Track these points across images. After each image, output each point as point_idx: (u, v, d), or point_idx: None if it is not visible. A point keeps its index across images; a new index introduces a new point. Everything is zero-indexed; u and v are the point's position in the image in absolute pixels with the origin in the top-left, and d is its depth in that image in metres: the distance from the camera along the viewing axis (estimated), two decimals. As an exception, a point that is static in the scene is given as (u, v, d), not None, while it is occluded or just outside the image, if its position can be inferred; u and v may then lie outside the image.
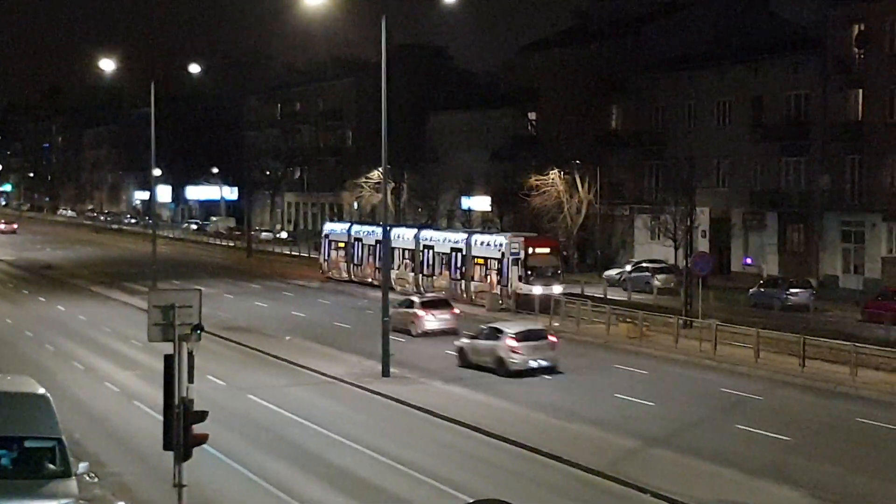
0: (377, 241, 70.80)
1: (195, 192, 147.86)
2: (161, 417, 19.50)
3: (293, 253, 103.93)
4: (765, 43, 77.51)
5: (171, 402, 19.12)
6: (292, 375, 42.69)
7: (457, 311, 53.82)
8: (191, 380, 19.14)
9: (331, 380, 41.31)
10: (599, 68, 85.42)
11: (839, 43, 69.20)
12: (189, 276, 79.40)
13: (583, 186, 77.05)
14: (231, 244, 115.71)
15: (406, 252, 69.18)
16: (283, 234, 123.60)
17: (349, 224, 79.92)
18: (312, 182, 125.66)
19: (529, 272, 59.87)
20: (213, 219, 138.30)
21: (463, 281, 63.98)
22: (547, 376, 41.24)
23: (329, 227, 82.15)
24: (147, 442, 29.43)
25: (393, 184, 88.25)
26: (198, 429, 19.40)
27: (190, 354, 19.00)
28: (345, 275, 75.65)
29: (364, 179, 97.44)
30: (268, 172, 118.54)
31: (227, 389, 39.23)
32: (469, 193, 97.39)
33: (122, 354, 48.13)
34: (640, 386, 39.72)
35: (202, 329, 19.63)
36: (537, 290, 58.12)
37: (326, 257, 79.01)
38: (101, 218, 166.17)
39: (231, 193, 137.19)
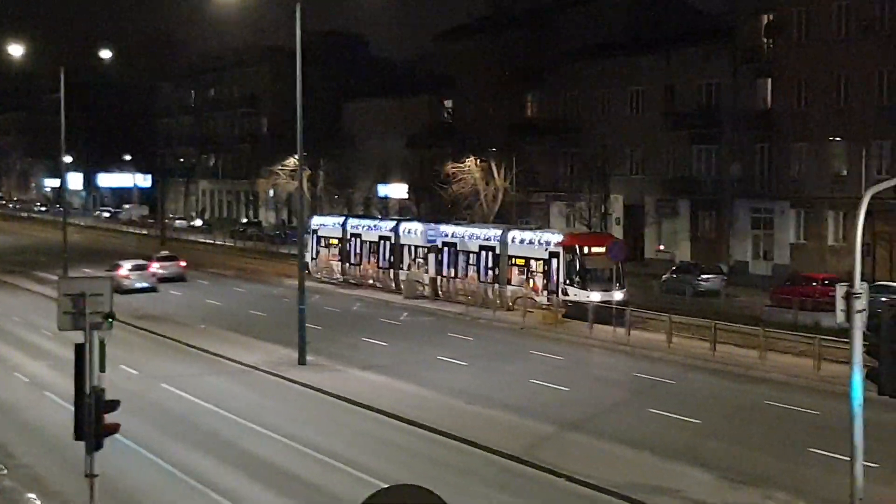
0: (381, 238, 64.82)
1: (107, 180, 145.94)
2: (72, 407, 19.23)
3: (208, 241, 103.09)
4: (677, 32, 78.25)
5: (82, 392, 18.85)
6: (207, 364, 42.36)
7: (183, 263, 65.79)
8: (102, 369, 18.87)
9: (246, 368, 41.07)
10: (515, 57, 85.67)
11: (749, 33, 70.06)
12: (101, 265, 78.36)
13: (499, 174, 77.28)
14: (144, 232, 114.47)
15: (419, 250, 61.89)
16: (198, 222, 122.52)
17: (344, 218, 70.89)
18: (227, 169, 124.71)
19: (585, 276, 51.65)
20: (126, 206, 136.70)
21: (496, 285, 56.10)
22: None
23: (318, 221, 72.46)
24: (58, 432, 29.04)
25: (309, 171, 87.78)
26: (110, 418, 19.16)
27: (101, 343, 18.74)
28: (338, 275, 68.06)
29: (280, 167, 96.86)
30: (182, 159, 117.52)
31: (140, 378, 38.83)
32: (386, 181, 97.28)
33: (33, 344, 47.43)
34: (556, 371, 39.98)
35: (114, 317, 19.36)
36: (596, 297, 50.33)
37: (314, 255, 70.02)
38: (10, 206, 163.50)
39: (144, 181, 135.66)
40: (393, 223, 65.56)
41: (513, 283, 54.68)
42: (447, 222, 63.44)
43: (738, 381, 38.87)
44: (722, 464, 27.03)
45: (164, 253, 76.44)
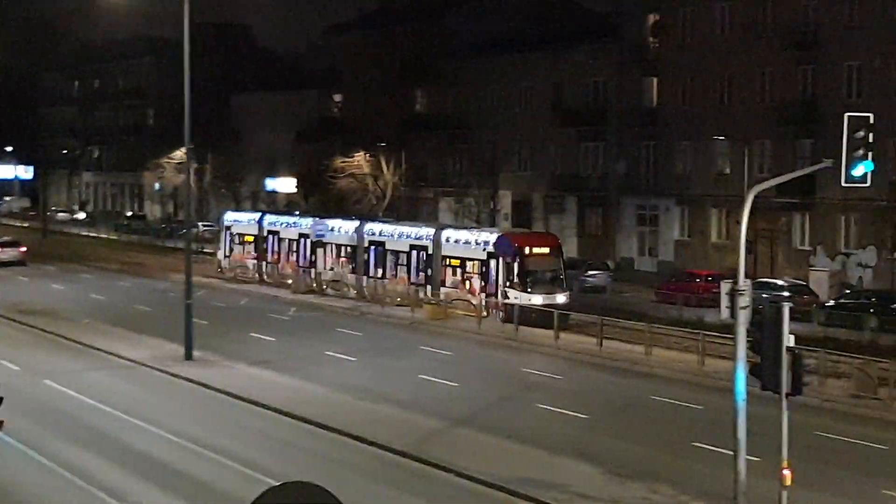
0: (301, 235, 61.78)
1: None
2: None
3: (92, 234, 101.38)
4: (565, 31, 78.99)
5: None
6: (91, 359, 41.67)
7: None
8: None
9: (131, 364, 40.49)
10: (404, 52, 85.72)
11: (636, 32, 71.01)
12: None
13: (388, 169, 77.30)
14: (26, 225, 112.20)
15: (344, 249, 58.96)
16: (81, 215, 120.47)
17: (260, 214, 67.79)
18: (112, 161, 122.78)
19: (527, 278, 49.24)
20: (7, 199, 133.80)
21: (428, 287, 53.54)
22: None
23: (231, 216, 69.62)
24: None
25: (196, 164, 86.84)
26: (-7, 415, 18.78)
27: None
28: (253, 274, 64.92)
29: (166, 160, 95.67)
30: (65, 151, 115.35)
31: (22, 374, 38.07)
32: (274, 175, 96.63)
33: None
34: (445, 367, 40.10)
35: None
36: (537, 300, 48.31)
37: (227, 253, 67.31)
38: None
39: (26, 172, 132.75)
40: (311, 220, 62.69)
41: (447, 284, 52.13)
42: (374, 219, 61.53)
43: (624, 376, 39.38)
44: (608, 458, 27.36)
45: (6, 238, 78.17)
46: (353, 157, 78.02)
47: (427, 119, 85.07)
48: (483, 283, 50.32)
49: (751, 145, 62.93)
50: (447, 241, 52.66)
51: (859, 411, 33.58)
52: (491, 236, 50.71)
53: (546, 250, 50.45)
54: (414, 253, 54.38)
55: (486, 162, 75.65)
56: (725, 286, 21.04)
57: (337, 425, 30.37)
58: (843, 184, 21.77)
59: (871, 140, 21.34)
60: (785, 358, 19.73)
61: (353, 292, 57.22)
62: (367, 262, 57.27)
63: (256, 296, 60.66)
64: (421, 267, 54.10)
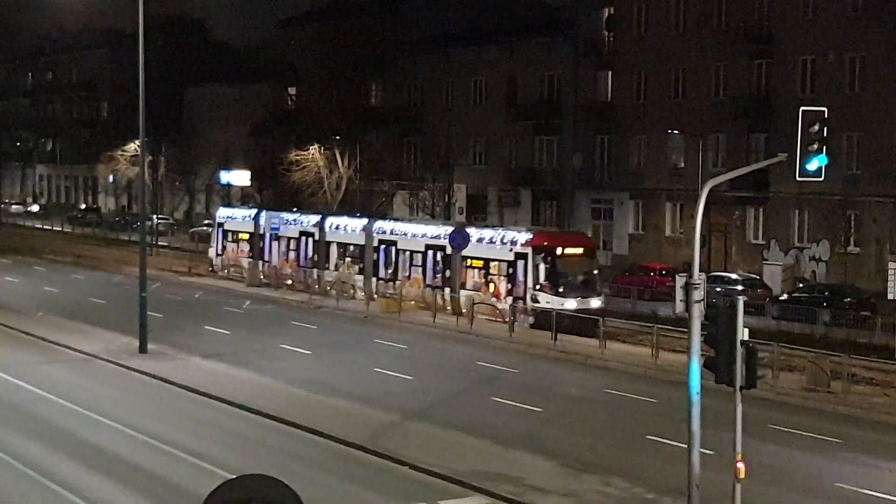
0: (302, 234, 58.60)
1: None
2: None
3: (45, 227, 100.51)
4: (520, 24, 79.08)
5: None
6: (45, 352, 41.29)
7: None
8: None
9: (85, 356, 40.16)
10: (358, 45, 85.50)
11: (590, 26, 71.19)
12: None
13: (342, 162, 77.07)
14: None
15: (351, 248, 55.60)
16: (35, 208, 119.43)
17: (256, 210, 64.37)
18: (66, 154, 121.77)
19: (559, 281, 46.27)
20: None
21: (447, 289, 50.27)
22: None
23: (225, 213, 66.77)
24: None
25: (150, 157, 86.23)
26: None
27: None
28: (248, 275, 61.30)
29: (120, 152, 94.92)
30: (18, 143, 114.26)
31: (-25, 368, 37.66)
32: (228, 168, 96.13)
33: None
34: (399, 360, 40.05)
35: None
36: (570, 304, 45.39)
37: (220, 251, 64.60)
38: None
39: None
40: (317, 217, 58.81)
41: (468, 287, 48.91)
42: (384, 217, 58.64)
43: (579, 369, 39.49)
44: (562, 451, 27.42)
45: None
46: (307, 150, 77.71)
47: (382, 112, 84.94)
48: (509, 286, 46.92)
49: (705, 139, 63.29)
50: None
51: (812, 404, 33.84)
52: (520, 235, 47.24)
53: (580, 251, 47.65)
54: (430, 253, 50.90)
55: (440, 155, 75.62)
56: (680, 280, 21.10)
57: (292, 418, 30.26)
58: (797, 178, 21.86)
59: (825, 134, 21.45)
60: (739, 351, 19.80)
61: (360, 294, 53.77)
62: (376, 263, 53.97)
63: (211, 289, 60.35)
64: (438, 268, 50.76)
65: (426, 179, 76.51)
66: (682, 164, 66.24)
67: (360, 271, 54.58)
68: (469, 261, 49.02)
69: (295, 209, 65.30)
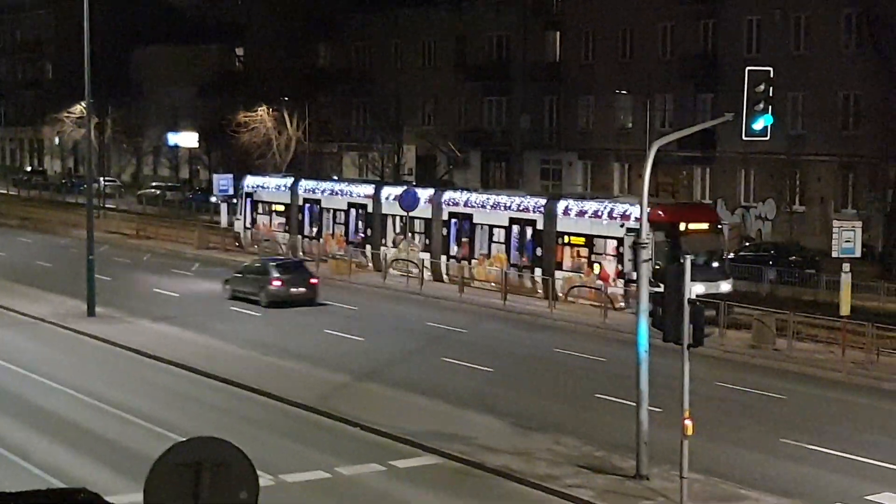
0: (352, 206, 53.28)
1: None
2: None
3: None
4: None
5: None
6: (-9, 317, 40.94)
7: None
8: None
9: (33, 320, 39.85)
10: (307, 5, 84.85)
11: (539, -14, 70.97)
12: None
13: (291, 123, 76.62)
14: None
15: (413, 222, 50.02)
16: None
17: (293, 179, 58.39)
18: (10, 116, 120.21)
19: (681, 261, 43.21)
20: None
21: (538, 270, 44.72)
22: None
23: (253, 181, 60.36)
24: None
25: (96, 119, 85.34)
26: None
27: None
28: (285, 250, 55.98)
29: (66, 114, 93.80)
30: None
31: (-79, 333, 37.29)
32: (176, 129, 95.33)
33: None
34: (351, 322, 40.06)
35: None
36: (697, 288, 35.45)
37: (249, 224, 59.28)
38: None
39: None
40: (371, 187, 53.61)
41: (564, 268, 43.38)
42: (455, 188, 52.63)
43: (529, 329, 39.67)
44: (513, 410, 27.59)
45: None
46: (256, 111, 77.19)
47: (330, 73, 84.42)
48: (619, 267, 41.38)
49: (653, 99, 63.45)
50: (566, 213, 43.49)
51: (758, 362, 34.21)
52: (633, 208, 40.11)
53: (705, 226, 42.13)
54: (515, 228, 45.51)
55: (389, 116, 75.36)
56: (628, 240, 21.23)
57: (243, 381, 30.22)
58: (744, 138, 22.04)
59: (771, 94, 21.60)
60: (686, 310, 19.98)
61: (426, 275, 47.99)
62: (445, 239, 48.75)
63: (160, 252, 59.96)
64: (526, 245, 45.34)
65: (375, 141, 76.23)
66: (630, 125, 66.41)
67: (427, 248, 49.22)
68: (566, 238, 43.29)
69: (335, 178, 62.64)
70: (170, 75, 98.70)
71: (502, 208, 46.23)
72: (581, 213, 42.81)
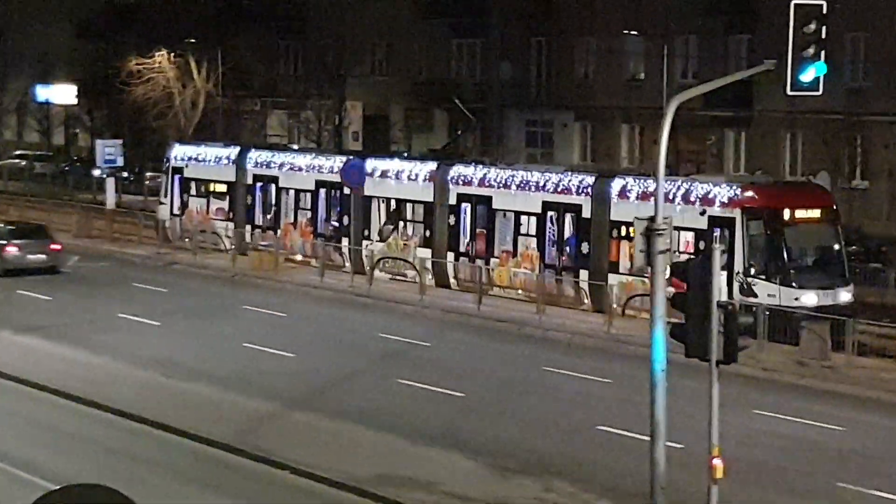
0: (321, 185, 51.19)
1: None
2: None
3: None
4: None
5: None
6: None
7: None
8: None
9: None
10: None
11: None
12: None
13: (199, 73, 76.43)
14: None
15: (407, 208, 49.07)
16: None
17: (239, 150, 56.14)
18: None
19: (790, 262, 39.39)
20: None
21: (583, 272, 43.03)
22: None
23: (182, 151, 58.58)
24: None
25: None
26: None
27: None
28: (228, 245, 54.15)
29: None
30: None
31: None
32: (47, 81, 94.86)
33: None
34: (278, 332, 40.04)
35: None
36: (810, 299, 38.38)
37: (177, 210, 57.49)
38: None
39: None
40: (347, 160, 51.20)
41: (621, 270, 41.24)
42: (468, 161, 50.26)
43: (511, 341, 39.72)
44: (490, 447, 27.61)
45: None
46: (152, 57, 76.95)
47: (251, 8, 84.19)
48: None
49: (671, 43, 63.58)
50: (623, 195, 41.77)
51: (808, 383, 34.37)
52: (719, 190, 39.33)
53: (817, 213, 40.18)
54: (551, 216, 44.00)
55: (328, 64, 75.24)
56: (640, 225, 21.30)
57: (136, 411, 30.13)
58: (789, 92, 22.10)
59: (823, 35, 21.68)
60: (715, 316, 20.04)
61: (428, 279, 46.66)
62: (455, 232, 47.17)
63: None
64: (567, 240, 43.63)
65: (310, 96, 76.09)
66: (643, 76, 66.56)
67: (427, 243, 47.83)
68: (623, 229, 40.88)
69: (293, 145, 61.40)
70: (39, 12, 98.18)
71: (533, 189, 44.37)
72: (645, 196, 40.30)
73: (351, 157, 51.70)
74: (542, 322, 41.30)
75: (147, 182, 76.30)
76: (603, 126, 68.57)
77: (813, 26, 21.59)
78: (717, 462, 20.18)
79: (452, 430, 29.17)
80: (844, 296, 38.81)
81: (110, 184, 60.25)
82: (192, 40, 77.62)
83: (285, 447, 27.25)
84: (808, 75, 21.68)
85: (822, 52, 21.73)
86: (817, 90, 22.07)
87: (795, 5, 21.81)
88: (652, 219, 21.09)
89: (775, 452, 27.99)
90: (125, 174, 63.68)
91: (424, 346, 38.72)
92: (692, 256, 37.63)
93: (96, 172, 67.29)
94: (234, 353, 37.11)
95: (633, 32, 65.64)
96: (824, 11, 21.80)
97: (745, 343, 22.75)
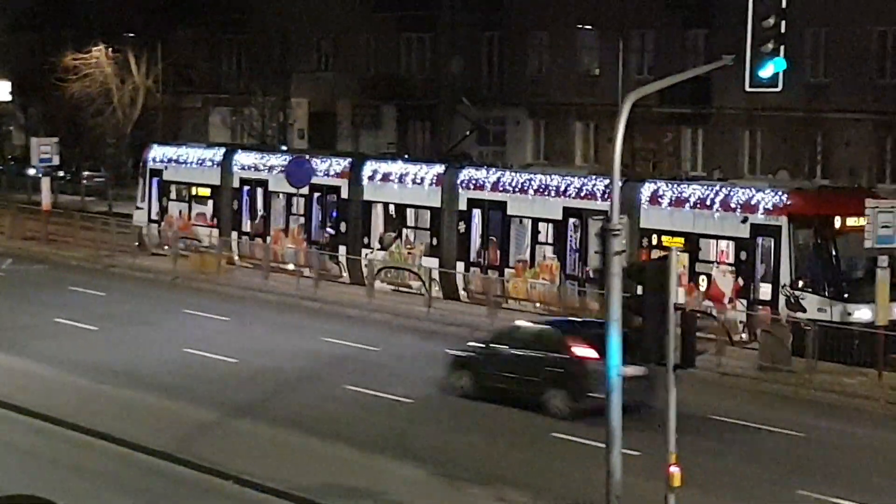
0: (315, 189, 49.57)
1: None
2: None
3: None
4: None
5: None
6: None
7: None
8: None
9: None
10: None
11: None
12: None
13: (139, 68, 76.17)
14: None
15: (413, 214, 47.67)
16: None
17: (224, 151, 54.98)
18: None
19: (841, 274, 37.97)
20: None
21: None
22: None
23: (161, 152, 57.18)
24: None
25: None
26: None
27: None
28: (214, 253, 52.28)
29: None
30: None
31: None
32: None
33: None
34: (219, 337, 39.97)
35: None
36: (864, 314, 36.36)
37: (155, 215, 56.06)
38: None
39: None
40: (346, 162, 50.19)
41: None
42: (478, 164, 49.28)
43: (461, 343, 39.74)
44: (440, 456, 27.62)
45: None
46: (90, 52, 76.64)
47: (193, 1, 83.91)
48: (741, 283, 38.41)
49: (627, 37, 63.65)
50: (655, 200, 40.25)
51: (769, 388, 34.52)
52: (763, 196, 38.14)
53: (862, 221, 36.58)
54: (573, 223, 42.16)
55: (273, 60, 75.09)
56: (594, 225, 21.33)
57: (73, 419, 29.99)
58: (748, 89, 22.17)
59: (783, 30, 21.75)
60: (672, 319, 20.09)
61: (435, 290, 45.03)
62: (465, 240, 45.76)
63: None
64: (595, 250, 40.71)
65: (254, 92, 75.92)
66: (598, 71, 66.65)
67: (433, 252, 46.53)
68: (655, 238, 39.97)
69: (284, 146, 58.38)
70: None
71: (553, 194, 42.81)
72: (679, 202, 39.63)
73: (296, 155, 51.49)
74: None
75: (84, 182, 76.05)
76: (556, 123, 68.64)
77: (772, 21, 21.65)
78: (675, 469, 20.23)
79: (402, 437, 29.18)
80: None
81: (46, 183, 59.85)
82: (132, 35, 77.39)
83: (228, 456, 27.15)
84: (767, 71, 21.75)
85: (782, 48, 21.79)
86: (777, 86, 22.13)
87: (754, 0, 21.88)
88: (607, 219, 21.12)
89: (735, 459, 28.09)
90: (61, 174, 63.23)
91: (372, 350, 38.69)
92: (731, 267, 38.19)
93: (31, 172, 67.01)
94: (175, 359, 36.99)
95: (587, 27, 65.75)
96: (784, 6, 21.86)
97: (704, 348, 22.82)
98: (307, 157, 50.42)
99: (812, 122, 57.62)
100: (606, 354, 20.84)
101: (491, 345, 33.13)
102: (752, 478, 26.88)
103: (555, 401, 30.77)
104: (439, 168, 46.79)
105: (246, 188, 52.35)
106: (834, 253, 37.32)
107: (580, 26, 65.95)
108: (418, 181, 46.67)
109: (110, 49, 76.59)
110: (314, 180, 49.05)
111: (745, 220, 37.97)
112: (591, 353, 29.74)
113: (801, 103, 55.73)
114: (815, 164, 58.43)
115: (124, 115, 76.22)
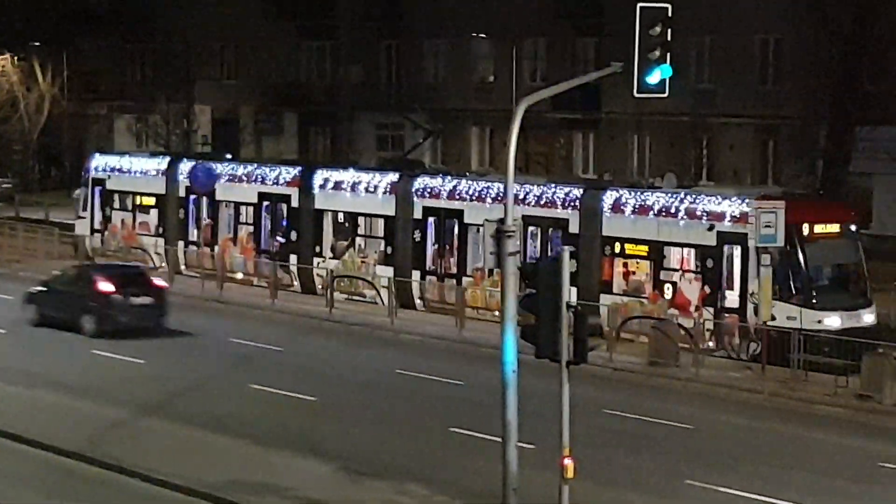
0: (265, 198, 48.54)
1: None
2: None
3: None
4: None
5: None
6: None
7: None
8: None
9: None
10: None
11: None
12: None
13: (45, 77, 75.39)
14: None
15: (365, 222, 46.63)
16: None
17: (168, 160, 53.45)
18: None
19: (811, 282, 37.11)
20: None
21: (573, 289, 33.49)
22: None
23: (104, 161, 55.50)
24: None
25: None
26: None
27: None
28: (157, 263, 50.79)
29: None
30: None
31: None
32: None
33: None
34: (128, 338, 39.58)
35: None
36: (832, 321, 36.03)
37: (98, 226, 54.29)
38: None
39: None
40: (296, 171, 48.85)
41: (615, 290, 39.23)
42: (433, 173, 48.13)
43: (364, 344, 39.84)
44: (343, 452, 27.59)
45: None
46: (-4, 60, 75.85)
47: (98, 12, 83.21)
48: (705, 290, 37.58)
49: (520, 45, 63.91)
50: (617, 208, 39.56)
51: (658, 382, 34.85)
52: (729, 204, 37.28)
53: (836, 227, 37.80)
54: (532, 231, 41.19)
55: (177, 68, 74.60)
56: (490, 226, 21.41)
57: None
58: (636, 94, 22.31)
59: (669, 38, 21.92)
60: (565, 316, 20.19)
61: (392, 301, 42.89)
62: (420, 248, 44.60)
63: None
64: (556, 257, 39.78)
65: (158, 100, 75.39)
66: (492, 78, 66.84)
67: (387, 260, 45.40)
68: (618, 246, 39.44)
69: (230, 156, 56.21)
70: None
71: (529, 202, 41.33)
72: (642, 209, 38.89)
73: (200, 161, 51.11)
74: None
75: None
76: (453, 129, 68.64)
77: (658, 29, 21.81)
78: (568, 462, 20.34)
79: (305, 433, 29.13)
80: (868, 317, 36.71)
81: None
82: (37, 43, 76.62)
83: (136, 454, 26.96)
84: (654, 77, 21.91)
85: (668, 55, 21.96)
86: (663, 92, 22.30)
87: (641, 8, 22.02)
88: (501, 220, 21.20)
89: (626, 451, 28.30)
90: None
91: (277, 350, 38.60)
92: (698, 275, 37.44)
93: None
94: (84, 360, 36.72)
95: (481, 35, 65.92)
96: (669, 14, 22.03)
97: (595, 343, 22.96)
98: (210, 164, 49.97)
99: (698, 126, 58.16)
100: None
101: (49, 284, 41.84)
102: (643, 469, 27.10)
103: (87, 324, 39.32)
104: (393, 176, 45.66)
105: (192, 197, 50.94)
106: (802, 260, 36.45)
107: (475, 35, 66.12)
108: (371, 189, 45.69)
109: (16, 57, 75.79)
110: (262, 189, 48.34)
111: (711, 228, 37.19)
112: (111, 287, 39.51)
113: (688, 108, 56.15)
114: (701, 167, 58.97)
115: (31, 122, 75.44)
